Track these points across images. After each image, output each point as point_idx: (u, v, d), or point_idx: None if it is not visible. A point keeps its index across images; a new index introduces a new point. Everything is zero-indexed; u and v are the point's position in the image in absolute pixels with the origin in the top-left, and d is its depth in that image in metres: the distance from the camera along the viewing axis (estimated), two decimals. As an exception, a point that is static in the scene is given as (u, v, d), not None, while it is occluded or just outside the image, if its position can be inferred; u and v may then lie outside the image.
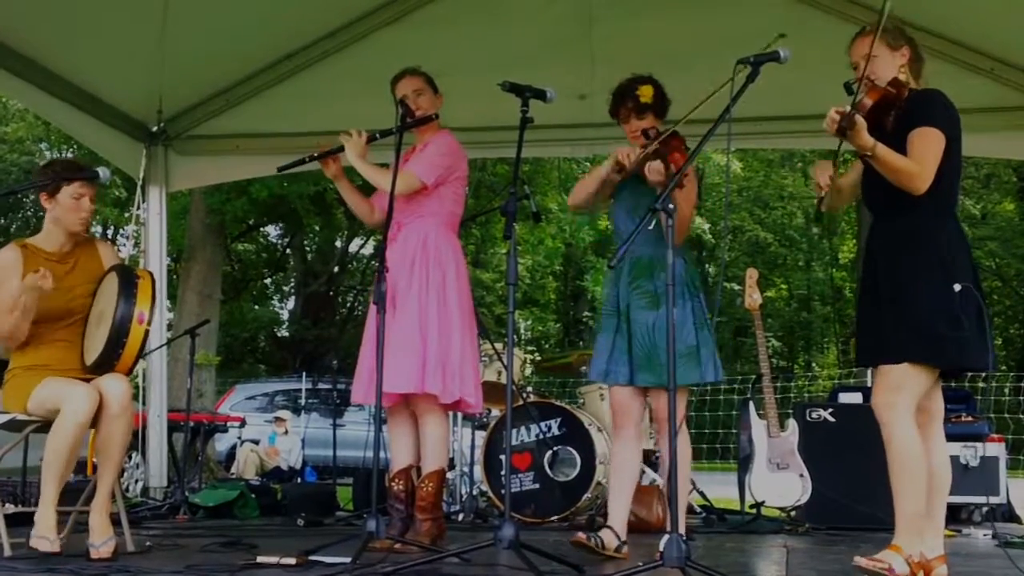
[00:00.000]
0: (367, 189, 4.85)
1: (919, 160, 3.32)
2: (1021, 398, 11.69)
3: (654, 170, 3.77)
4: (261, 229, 22.46)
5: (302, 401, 14.64)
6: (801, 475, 5.74)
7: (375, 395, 4.24)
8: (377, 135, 4.48)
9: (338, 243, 23.14)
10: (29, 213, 23.66)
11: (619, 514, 4.10)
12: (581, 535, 3.95)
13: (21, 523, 4.10)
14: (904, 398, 3.31)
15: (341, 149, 4.54)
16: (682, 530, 3.90)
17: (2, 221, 23.59)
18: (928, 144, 3.33)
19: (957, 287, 3.28)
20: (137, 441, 6.80)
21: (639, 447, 4.18)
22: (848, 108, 3.25)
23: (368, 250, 22.69)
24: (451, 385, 4.35)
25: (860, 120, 3.23)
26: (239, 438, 11.69)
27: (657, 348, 3.93)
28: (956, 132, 3.41)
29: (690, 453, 4.14)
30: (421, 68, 4.64)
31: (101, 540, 3.80)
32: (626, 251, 3.65)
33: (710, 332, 4.04)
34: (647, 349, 3.96)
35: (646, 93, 4.08)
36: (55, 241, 4.09)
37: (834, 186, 3.65)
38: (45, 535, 3.71)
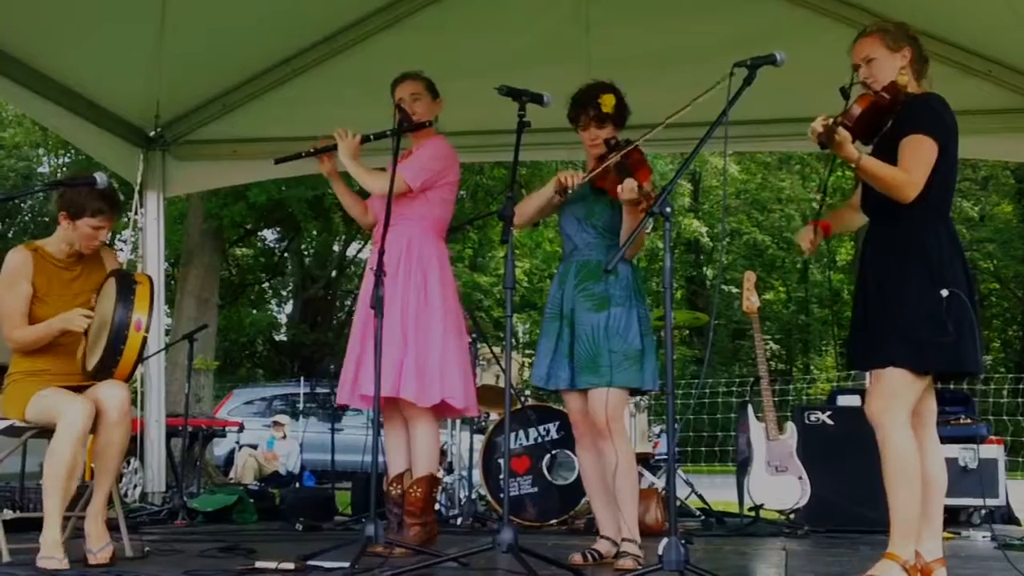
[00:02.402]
0: (363, 190, 4.86)
1: (908, 168, 3.31)
2: (1020, 400, 11.70)
3: (627, 190, 3.75)
4: (259, 234, 22.46)
5: (300, 405, 14.63)
6: (800, 478, 5.74)
7: (358, 397, 4.34)
8: (371, 136, 4.49)
9: (336, 247, 23.16)
10: (27, 219, 23.66)
11: (607, 520, 4.10)
12: (577, 556, 3.96)
13: (20, 529, 4.10)
14: (898, 402, 3.31)
15: (334, 147, 4.55)
16: (636, 536, 3.92)
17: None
18: (918, 152, 3.32)
19: (944, 292, 3.27)
20: (135, 446, 6.79)
21: (599, 450, 4.14)
22: (833, 118, 3.24)
23: (366, 254, 22.69)
24: (429, 389, 4.33)
25: (843, 133, 3.22)
26: (237, 443, 11.68)
27: (601, 349, 3.92)
28: (950, 139, 3.39)
29: (632, 459, 4.08)
30: (422, 72, 4.64)
31: (98, 546, 3.81)
32: (618, 256, 3.69)
33: (653, 341, 4.04)
34: (591, 351, 3.94)
35: (608, 103, 4.06)
36: (64, 250, 4.10)
37: (843, 215, 3.68)
38: (52, 555, 3.69)
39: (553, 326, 4.07)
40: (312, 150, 4.65)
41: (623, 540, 3.96)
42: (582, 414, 4.07)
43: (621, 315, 3.95)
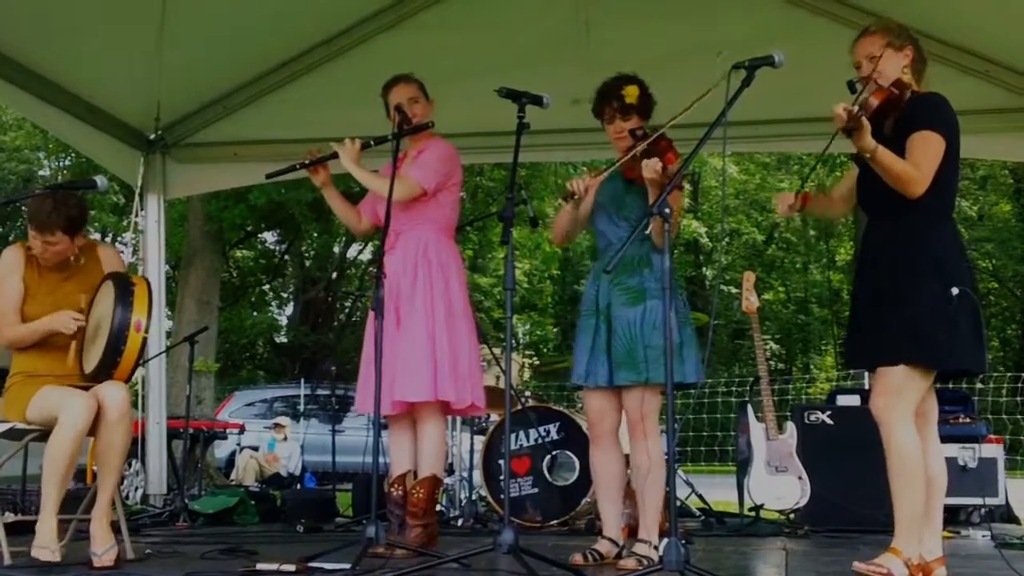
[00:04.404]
0: (354, 198, 4.86)
1: (917, 164, 3.34)
2: (1019, 399, 11.71)
3: (650, 167, 3.74)
4: (259, 236, 22.45)
5: (301, 407, 14.65)
6: (800, 477, 5.75)
7: (387, 406, 4.28)
8: (371, 142, 4.49)
9: (336, 249, 23.15)
10: (28, 222, 23.62)
11: (611, 521, 4.10)
12: (577, 556, 3.94)
13: (21, 532, 4.10)
14: (903, 400, 3.33)
15: (333, 156, 4.55)
16: (654, 538, 3.92)
17: (0, 229, 23.57)
18: (927, 148, 3.35)
19: (955, 290, 3.30)
20: (136, 448, 6.80)
21: (619, 451, 4.15)
22: (855, 106, 3.26)
23: (366, 255, 22.71)
24: (463, 391, 4.38)
25: (866, 122, 3.25)
26: (238, 445, 11.71)
27: (637, 344, 3.89)
28: (956, 137, 3.43)
29: (663, 459, 4.04)
30: (414, 75, 4.65)
31: (103, 548, 3.80)
32: (615, 251, 3.67)
33: (693, 331, 4.02)
34: (627, 346, 3.91)
35: (631, 93, 4.05)
36: None
37: (817, 202, 3.68)
38: (46, 545, 3.71)
39: (590, 323, 4.04)
40: (307, 161, 4.64)
41: (638, 541, 3.96)
42: (600, 413, 4.05)
43: (658, 308, 3.86)
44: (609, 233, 4.11)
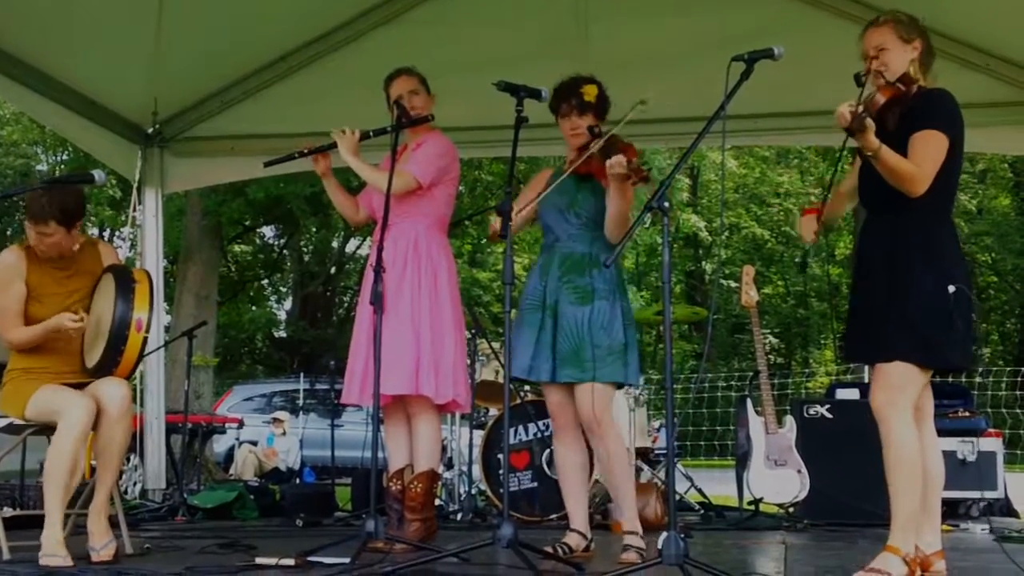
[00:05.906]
0: (353, 192, 4.86)
1: (919, 163, 3.33)
2: (1018, 392, 11.72)
3: (616, 163, 3.73)
4: (258, 230, 22.45)
5: (300, 402, 14.66)
6: (799, 471, 5.75)
7: (369, 396, 4.26)
8: (371, 133, 4.48)
9: (335, 243, 23.16)
10: (24, 216, 23.62)
11: (578, 514, 4.11)
12: (547, 548, 3.93)
13: (20, 526, 4.10)
14: (903, 396, 3.33)
15: (332, 146, 4.54)
16: (638, 528, 3.92)
17: (-2, 224, 23.57)
18: (930, 147, 3.34)
19: (951, 288, 3.29)
20: (135, 443, 6.79)
21: (582, 445, 4.16)
22: (857, 104, 3.24)
23: (365, 250, 22.70)
24: (444, 386, 4.36)
25: (869, 122, 3.24)
26: (237, 439, 11.72)
27: (584, 343, 3.91)
28: (959, 134, 3.41)
29: (624, 453, 4.11)
30: (415, 68, 4.65)
31: (101, 543, 3.81)
32: (616, 248, 3.67)
33: (635, 334, 4.04)
34: (574, 344, 3.93)
35: (590, 92, 4.07)
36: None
37: (832, 203, 3.68)
38: (55, 552, 3.69)
39: (535, 317, 4.04)
40: (306, 151, 4.63)
41: (626, 533, 3.97)
42: (560, 407, 4.08)
43: (605, 309, 3.93)
44: (557, 229, 4.12)
